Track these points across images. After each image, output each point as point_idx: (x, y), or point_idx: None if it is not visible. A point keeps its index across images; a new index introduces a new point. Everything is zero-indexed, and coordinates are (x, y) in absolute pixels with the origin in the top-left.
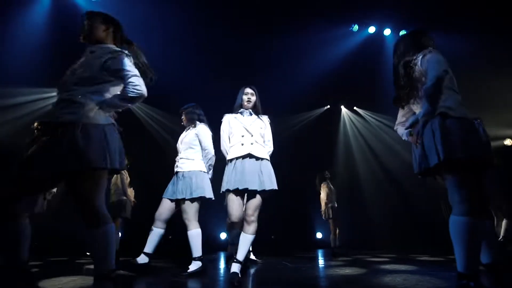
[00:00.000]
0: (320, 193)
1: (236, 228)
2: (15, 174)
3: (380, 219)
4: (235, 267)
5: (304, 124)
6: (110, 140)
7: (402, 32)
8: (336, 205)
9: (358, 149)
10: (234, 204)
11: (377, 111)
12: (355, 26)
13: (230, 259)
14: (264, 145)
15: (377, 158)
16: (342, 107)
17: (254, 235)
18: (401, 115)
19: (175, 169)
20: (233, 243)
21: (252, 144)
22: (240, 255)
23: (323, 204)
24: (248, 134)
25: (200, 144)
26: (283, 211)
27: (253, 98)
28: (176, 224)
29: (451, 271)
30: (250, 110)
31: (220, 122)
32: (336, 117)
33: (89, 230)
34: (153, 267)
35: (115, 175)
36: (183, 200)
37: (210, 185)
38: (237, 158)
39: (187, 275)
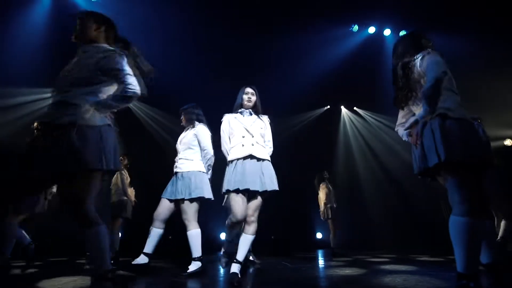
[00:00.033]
0: (318, 194)
1: (236, 228)
2: (15, 174)
3: (380, 219)
4: (235, 267)
5: (304, 124)
6: (106, 141)
7: (402, 33)
8: (335, 205)
9: (358, 149)
10: (238, 204)
11: (377, 111)
12: (355, 26)
13: (226, 257)
14: (264, 146)
15: (377, 158)
16: (342, 107)
17: (254, 236)
18: (401, 116)
19: (174, 170)
20: (231, 241)
21: (253, 145)
22: (240, 256)
23: (321, 204)
24: (249, 135)
25: (199, 144)
26: (283, 211)
27: (254, 98)
28: (176, 224)
29: (451, 271)
30: (250, 110)
31: (220, 122)
32: (336, 117)
33: (82, 230)
34: (153, 267)
35: (115, 175)
36: (182, 200)
37: (209, 185)
38: (238, 159)
39: (187, 275)
